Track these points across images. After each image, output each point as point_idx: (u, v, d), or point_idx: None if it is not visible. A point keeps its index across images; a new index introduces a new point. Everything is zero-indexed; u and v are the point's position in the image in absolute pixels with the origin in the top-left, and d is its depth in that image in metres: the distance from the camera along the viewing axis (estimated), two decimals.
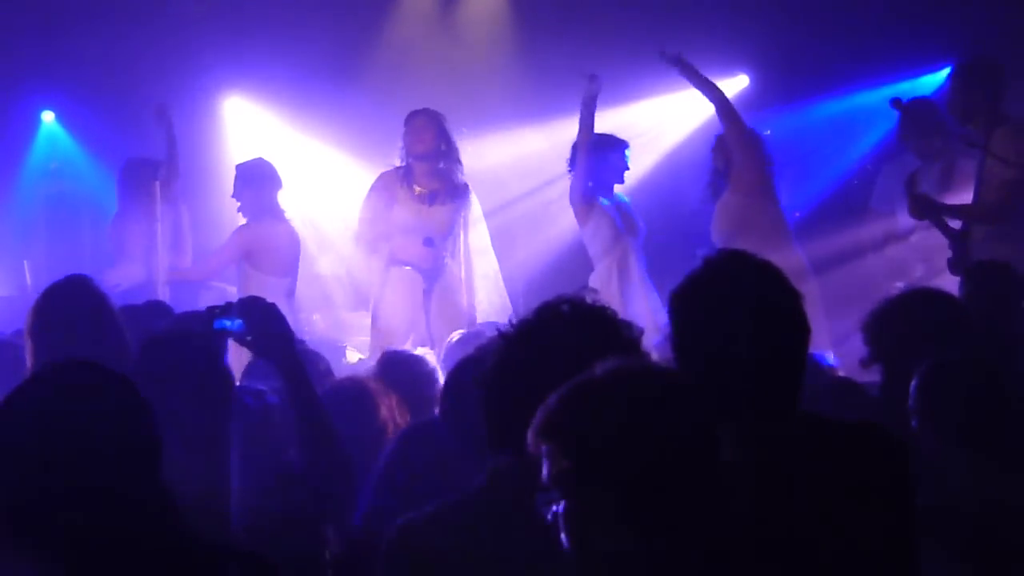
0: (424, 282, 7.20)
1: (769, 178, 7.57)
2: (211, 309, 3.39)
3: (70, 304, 4.14)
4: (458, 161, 7.28)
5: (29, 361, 4.10)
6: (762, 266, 2.75)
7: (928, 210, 7.02)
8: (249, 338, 3.36)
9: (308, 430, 3.37)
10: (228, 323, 3.35)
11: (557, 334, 2.57)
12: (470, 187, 7.44)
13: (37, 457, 2.37)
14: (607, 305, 2.68)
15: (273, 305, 3.42)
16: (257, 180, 7.83)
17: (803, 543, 2.48)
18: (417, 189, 7.25)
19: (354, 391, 4.16)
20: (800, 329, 2.71)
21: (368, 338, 7.67)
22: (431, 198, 7.25)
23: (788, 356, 2.69)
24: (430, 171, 7.23)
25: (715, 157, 7.75)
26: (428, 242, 7.13)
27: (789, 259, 6.73)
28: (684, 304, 2.73)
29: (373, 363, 5.22)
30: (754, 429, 2.56)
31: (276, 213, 7.80)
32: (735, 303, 2.66)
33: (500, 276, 7.60)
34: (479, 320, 7.20)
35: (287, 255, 7.81)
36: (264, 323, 3.37)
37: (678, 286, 2.76)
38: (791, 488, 2.52)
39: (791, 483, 2.52)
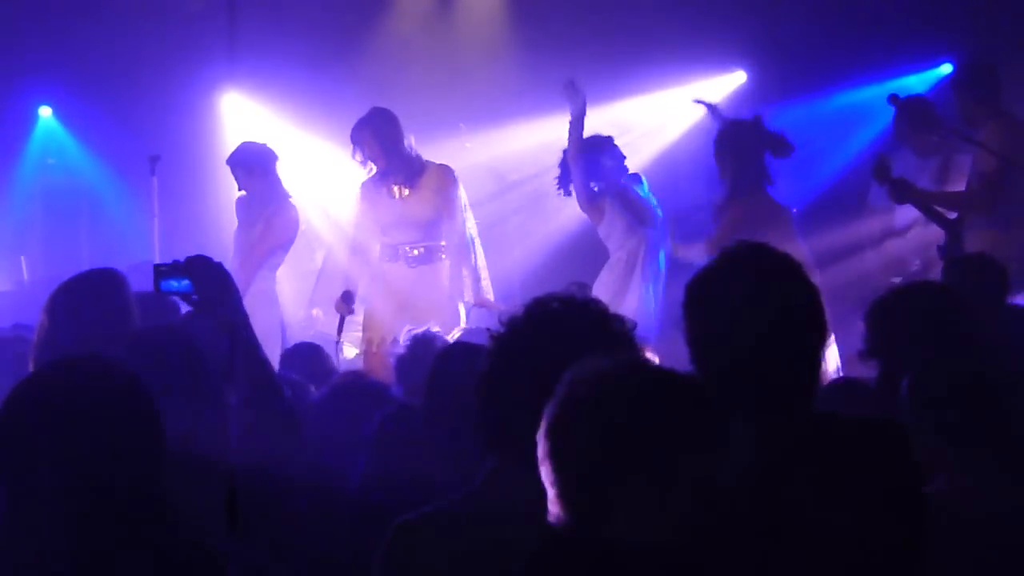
0: (405, 279, 7.25)
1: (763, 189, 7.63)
2: (157, 268, 3.35)
3: (92, 295, 4.14)
4: (407, 146, 7.30)
5: (37, 336, 4.12)
6: (780, 259, 2.73)
7: (909, 194, 7.05)
8: (195, 298, 3.34)
9: (252, 381, 3.34)
10: (175, 284, 3.33)
11: (548, 332, 2.56)
12: (454, 171, 7.43)
13: (41, 448, 2.38)
14: (597, 300, 2.66)
15: (220, 264, 3.39)
16: (260, 163, 7.80)
17: (815, 541, 2.48)
18: (395, 189, 7.30)
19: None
20: (817, 325, 2.68)
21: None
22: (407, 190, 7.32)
23: (804, 353, 2.66)
24: (396, 170, 7.28)
25: (718, 161, 7.80)
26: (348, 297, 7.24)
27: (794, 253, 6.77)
28: (699, 296, 2.72)
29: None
30: (768, 426, 2.54)
31: (285, 190, 7.82)
32: (751, 297, 2.63)
33: (485, 269, 7.60)
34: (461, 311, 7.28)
35: (296, 231, 7.83)
36: (212, 281, 3.34)
37: (694, 277, 2.74)
38: (804, 486, 2.50)
39: (804, 481, 2.51)
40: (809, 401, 2.65)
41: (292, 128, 10.15)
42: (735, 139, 7.24)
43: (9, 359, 4.75)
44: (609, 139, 7.99)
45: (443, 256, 7.32)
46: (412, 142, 7.31)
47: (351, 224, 7.52)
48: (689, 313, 2.70)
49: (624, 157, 7.98)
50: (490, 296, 7.44)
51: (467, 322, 7.21)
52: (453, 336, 6.56)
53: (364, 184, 7.40)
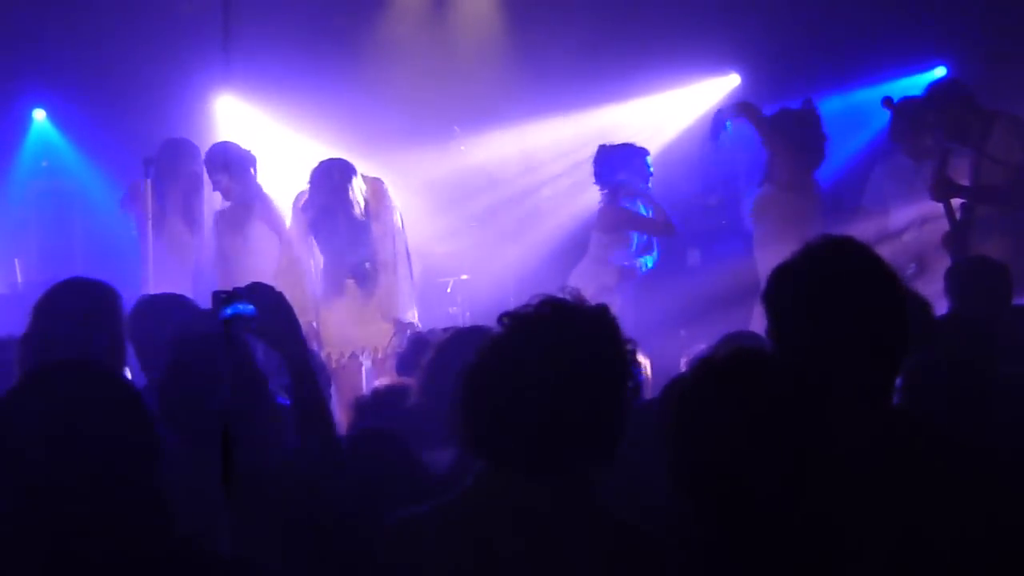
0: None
1: (808, 177, 7.66)
2: (217, 295, 3.24)
3: (57, 308, 4.12)
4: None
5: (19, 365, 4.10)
6: (866, 255, 2.76)
7: (951, 192, 7.02)
8: (256, 326, 3.24)
9: (307, 422, 3.27)
10: (241, 308, 3.21)
11: (539, 336, 2.54)
12: (384, 185, 7.33)
13: (32, 456, 2.37)
14: (586, 305, 2.63)
15: (281, 293, 3.33)
16: (244, 163, 7.78)
17: (884, 533, 2.50)
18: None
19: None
20: (897, 322, 2.70)
21: None
22: None
23: (885, 348, 2.69)
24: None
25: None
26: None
27: None
28: (783, 288, 2.75)
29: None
30: (841, 418, 2.55)
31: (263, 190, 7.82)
32: (834, 293, 2.67)
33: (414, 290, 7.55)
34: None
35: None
36: (275, 309, 3.27)
37: (779, 269, 2.77)
38: (870, 482, 2.52)
39: (870, 479, 2.52)
40: (882, 397, 2.69)
41: (287, 131, 10.14)
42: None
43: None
44: (643, 152, 8.27)
45: (382, 272, 7.28)
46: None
47: (291, 239, 7.42)
48: (773, 302, 2.75)
49: (650, 175, 8.12)
50: (412, 317, 7.32)
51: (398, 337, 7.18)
52: (379, 354, 6.60)
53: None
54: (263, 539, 3.13)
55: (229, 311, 3.22)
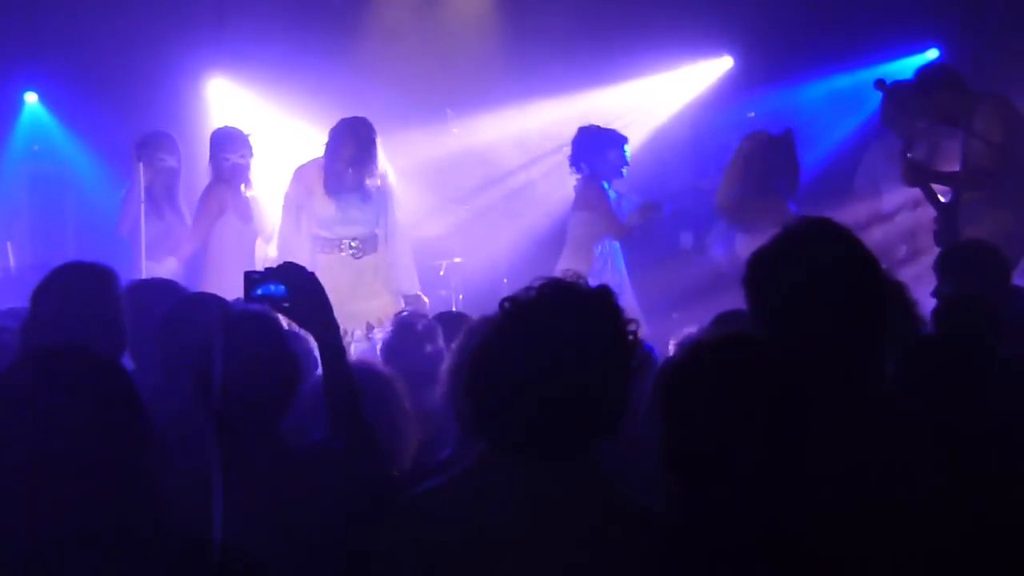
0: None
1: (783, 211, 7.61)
2: (248, 275, 3.25)
3: (67, 291, 4.12)
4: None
5: (23, 324, 4.12)
6: (842, 236, 2.77)
7: (920, 176, 7.05)
8: (287, 304, 3.24)
9: (337, 404, 3.28)
10: (272, 288, 3.22)
11: (540, 317, 2.53)
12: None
13: (23, 440, 2.37)
14: (592, 284, 2.62)
15: (312, 273, 3.34)
16: (248, 149, 7.80)
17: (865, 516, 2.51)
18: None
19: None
20: (876, 301, 2.71)
21: None
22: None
23: (865, 327, 2.69)
24: (363, 175, 7.22)
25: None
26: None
27: None
28: (762, 271, 2.76)
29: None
30: (824, 400, 2.56)
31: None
32: (811, 274, 2.69)
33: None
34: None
35: None
36: (307, 289, 3.28)
37: (758, 253, 2.77)
38: (851, 463, 2.53)
39: (851, 461, 2.53)
40: (869, 380, 2.69)
41: (279, 114, 10.12)
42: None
43: None
44: (622, 140, 8.27)
45: (379, 247, 7.28)
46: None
47: (288, 208, 7.40)
48: (750, 285, 2.76)
49: (626, 164, 8.11)
50: (417, 290, 7.39)
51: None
52: (377, 335, 6.59)
53: (307, 172, 7.31)
54: (278, 523, 3.13)
55: (260, 291, 3.23)
